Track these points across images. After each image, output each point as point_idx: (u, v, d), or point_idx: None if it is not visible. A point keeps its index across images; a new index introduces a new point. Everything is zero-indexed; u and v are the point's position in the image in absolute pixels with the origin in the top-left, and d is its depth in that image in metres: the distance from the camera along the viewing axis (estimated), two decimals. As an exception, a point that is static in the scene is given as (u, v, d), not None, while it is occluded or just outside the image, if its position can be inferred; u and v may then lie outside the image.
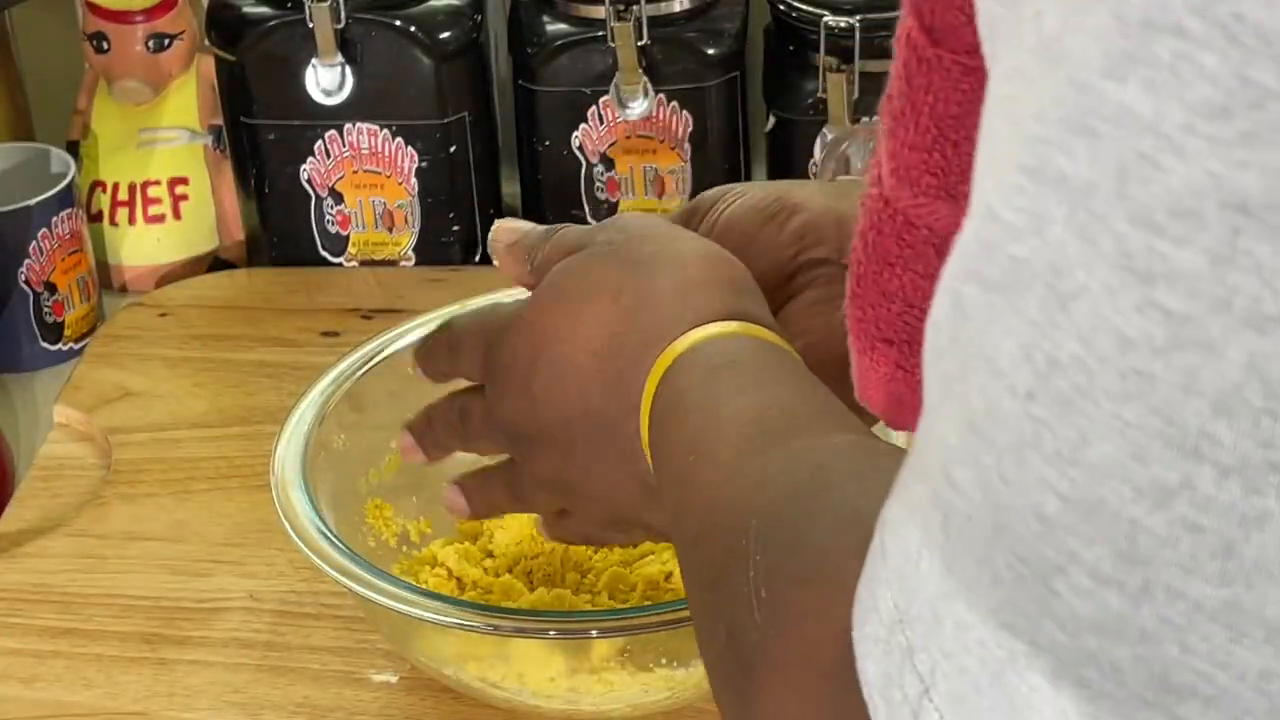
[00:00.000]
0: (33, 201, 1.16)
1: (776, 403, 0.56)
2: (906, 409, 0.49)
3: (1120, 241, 0.32)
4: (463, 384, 0.76)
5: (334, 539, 0.83)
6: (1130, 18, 0.32)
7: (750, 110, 1.24)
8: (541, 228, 0.73)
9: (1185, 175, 0.31)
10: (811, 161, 1.17)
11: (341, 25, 1.18)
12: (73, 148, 1.26)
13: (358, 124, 1.21)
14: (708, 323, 0.62)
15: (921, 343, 0.41)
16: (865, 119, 1.16)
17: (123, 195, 1.26)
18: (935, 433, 0.37)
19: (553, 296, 0.68)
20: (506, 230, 0.73)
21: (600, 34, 1.18)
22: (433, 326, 0.78)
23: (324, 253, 1.26)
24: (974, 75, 0.43)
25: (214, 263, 1.29)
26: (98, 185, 1.27)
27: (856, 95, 1.15)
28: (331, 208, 1.24)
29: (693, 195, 1.00)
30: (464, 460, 0.80)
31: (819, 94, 1.16)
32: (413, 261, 1.25)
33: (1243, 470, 0.32)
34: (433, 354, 0.76)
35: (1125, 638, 0.33)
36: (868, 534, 0.41)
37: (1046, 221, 0.33)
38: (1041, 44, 0.34)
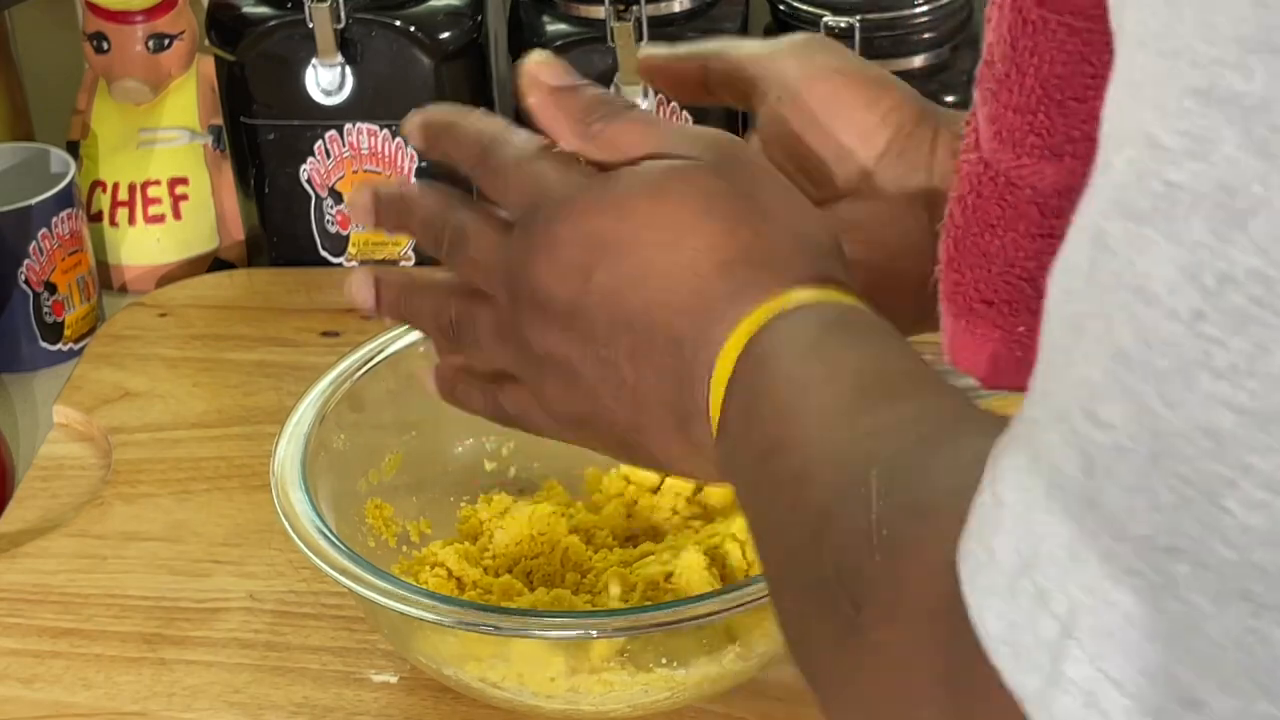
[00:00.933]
0: (33, 201, 1.16)
1: (878, 366, 0.55)
2: (1003, 369, 0.49)
3: None
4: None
5: (334, 539, 0.83)
6: None
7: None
8: (598, 91, 0.66)
9: None
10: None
11: (341, 25, 1.18)
12: (73, 148, 1.26)
13: (358, 124, 1.21)
14: (807, 285, 0.58)
15: (1021, 301, 0.43)
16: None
17: (123, 195, 1.26)
18: (1068, 376, 0.38)
19: (660, 195, 0.61)
20: (550, 70, 0.67)
21: (600, 34, 1.18)
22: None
23: (324, 253, 1.26)
24: (1078, 35, 0.43)
25: (214, 263, 1.29)
26: (98, 185, 1.27)
27: (857, 95, 1.15)
28: (331, 208, 1.24)
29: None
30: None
31: (819, 94, 1.16)
32: (412, 261, 1.25)
33: None
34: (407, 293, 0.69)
35: None
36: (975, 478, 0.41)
37: (1215, 143, 0.34)
38: None
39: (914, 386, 0.53)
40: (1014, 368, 0.46)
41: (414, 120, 0.67)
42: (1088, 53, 0.40)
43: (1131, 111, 0.36)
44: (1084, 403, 0.37)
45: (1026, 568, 0.38)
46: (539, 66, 0.66)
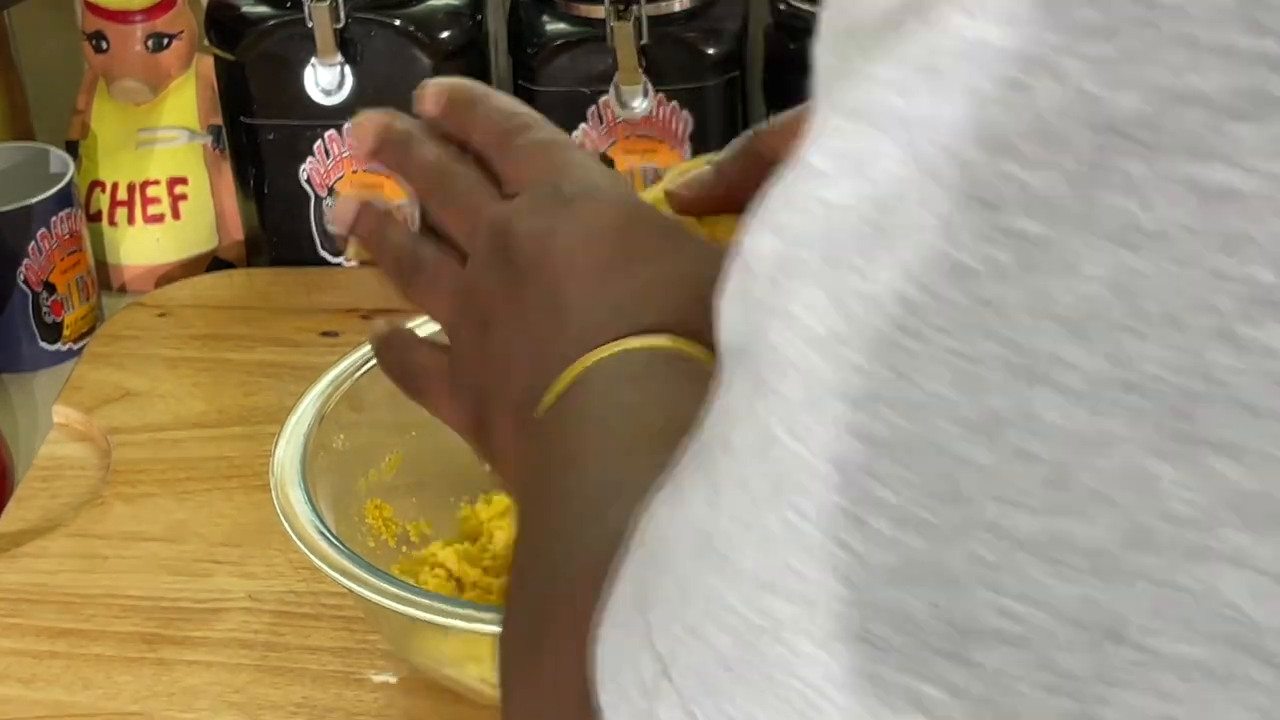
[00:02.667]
0: (32, 201, 1.16)
1: (637, 428, 0.54)
2: None
3: (967, 170, 0.31)
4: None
5: (333, 539, 0.83)
6: None
7: (750, 110, 1.24)
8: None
9: (1052, 98, 0.31)
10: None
11: (341, 25, 1.18)
12: (72, 147, 1.26)
13: (357, 124, 1.21)
14: (666, 333, 0.58)
15: None
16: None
17: (122, 195, 1.26)
18: (717, 407, 0.36)
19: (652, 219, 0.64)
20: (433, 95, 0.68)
21: (600, 34, 1.18)
22: (434, 326, 0.77)
23: (323, 253, 1.26)
24: None
25: (213, 262, 1.29)
26: (97, 185, 1.27)
27: (856, 95, 1.15)
28: (331, 208, 1.24)
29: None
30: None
31: (819, 94, 1.16)
32: (412, 261, 1.25)
33: (1091, 393, 0.31)
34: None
35: (925, 584, 0.32)
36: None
37: (871, 160, 0.33)
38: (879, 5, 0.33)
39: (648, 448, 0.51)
40: None
41: (433, 87, 0.69)
42: None
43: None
44: (722, 430, 0.36)
45: (643, 603, 0.37)
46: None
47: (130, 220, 1.27)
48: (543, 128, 0.66)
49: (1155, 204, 0.30)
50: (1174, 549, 0.31)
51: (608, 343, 0.57)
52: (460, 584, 0.90)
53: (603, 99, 1.19)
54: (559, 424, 0.56)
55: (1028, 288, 0.31)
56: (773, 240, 0.34)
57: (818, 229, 0.33)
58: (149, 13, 1.23)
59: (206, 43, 1.24)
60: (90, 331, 1.21)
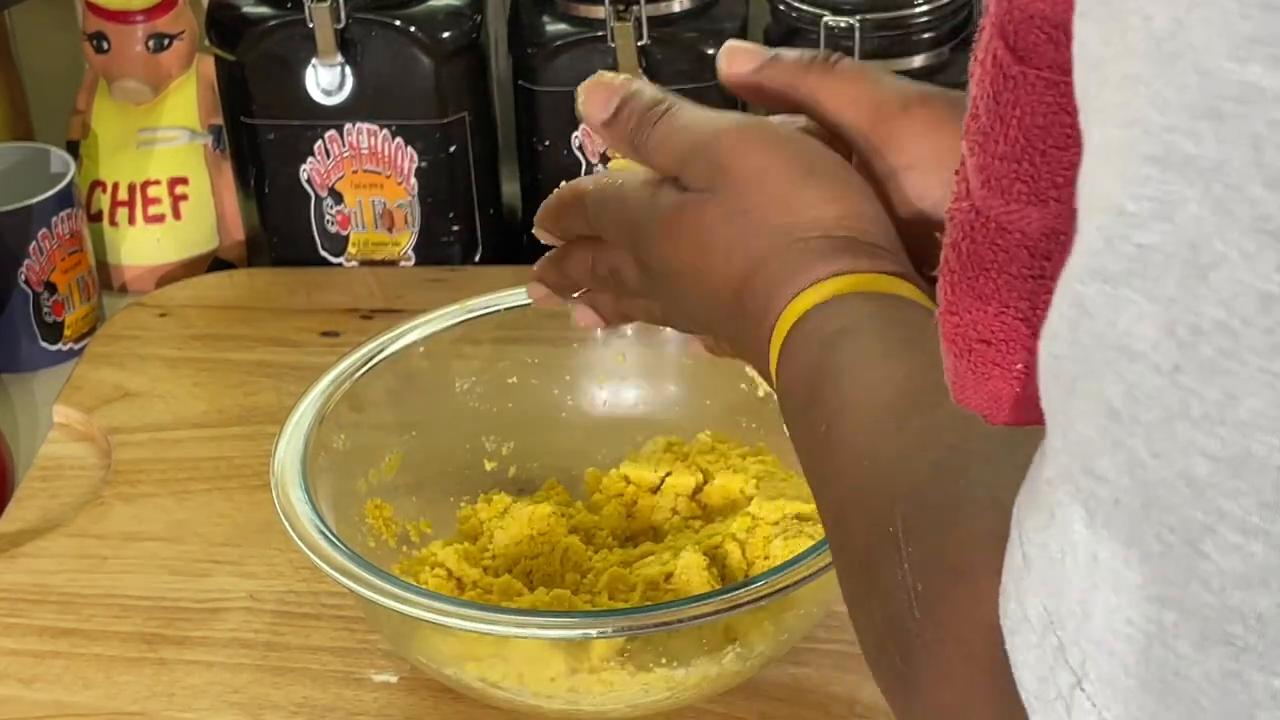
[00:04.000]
0: (33, 201, 1.16)
1: (905, 370, 0.60)
2: (1004, 404, 0.52)
3: (1256, 207, 0.35)
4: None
5: (334, 539, 0.83)
6: (1251, 1, 0.34)
7: (750, 110, 1.24)
8: (644, 99, 0.72)
9: None
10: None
11: (341, 25, 1.18)
12: (72, 147, 1.26)
13: (357, 124, 1.21)
14: (828, 279, 0.64)
15: (1017, 340, 0.47)
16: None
17: (122, 195, 1.27)
18: (1069, 436, 0.40)
19: (673, 237, 0.69)
20: (607, 88, 0.73)
21: (600, 34, 1.18)
22: (434, 327, 0.78)
23: (324, 253, 1.26)
24: (1055, 89, 0.46)
25: (214, 263, 1.29)
26: (97, 185, 1.27)
27: (856, 95, 1.15)
28: (331, 208, 1.24)
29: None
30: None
31: (819, 94, 1.16)
32: (412, 261, 1.25)
33: None
34: (559, 212, 0.76)
35: (1270, 586, 0.36)
36: (1006, 519, 0.44)
37: (1177, 204, 0.36)
38: (1154, 43, 0.37)
39: (931, 396, 0.56)
40: (1014, 402, 0.50)
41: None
42: (1065, 104, 0.43)
43: (1099, 181, 0.39)
44: (1084, 460, 0.39)
45: (1051, 624, 0.41)
46: (600, 89, 0.73)
47: (131, 220, 1.27)
48: (685, 105, 0.73)
49: None
50: None
51: (824, 280, 0.64)
52: (460, 584, 0.90)
53: (603, 99, 1.19)
54: (805, 391, 0.62)
55: None
56: (1100, 285, 0.38)
57: (1138, 269, 0.37)
58: (150, 13, 1.23)
59: (207, 43, 1.24)
60: (91, 331, 1.21)
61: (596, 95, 0.73)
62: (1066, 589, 0.40)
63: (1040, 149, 0.48)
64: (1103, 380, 0.38)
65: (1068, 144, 0.44)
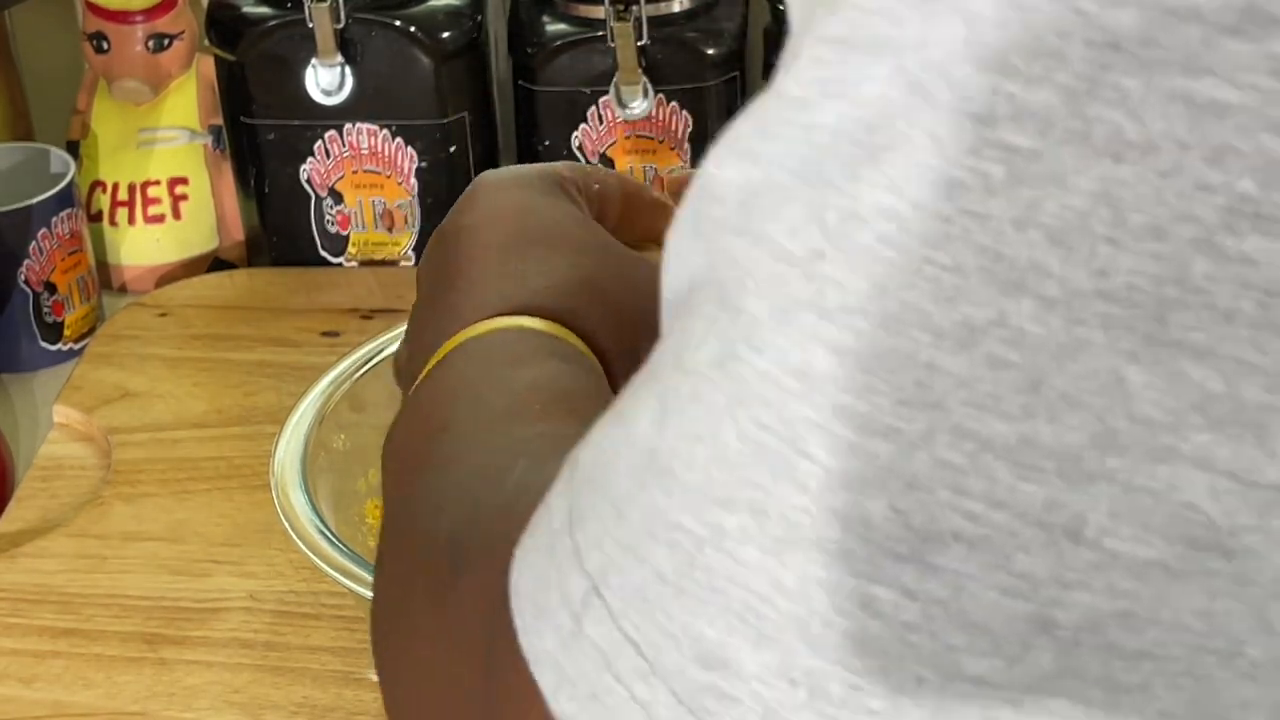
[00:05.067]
0: (33, 201, 1.16)
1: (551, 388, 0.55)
2: None
3: (958, 88, 0.32)
4: None
5: (334, 539, 0.83)
6: None
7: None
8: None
9: (1049, 15, 0.31)
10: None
11: (341, 25, 1.18)
12: (72, 148, 1.26)
13: (357, 124, 1.21)
14: (504, 315, 0.60)
15: None
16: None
17: (122, 195, 1.26)
18: (668, 338, 0.37)
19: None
20: None
21: (600, 34, 1.18)
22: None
23: (324, 253, 1.26)
24: None
25: (214, 263, 1.29)
26: (97, 185, 1.27)
27: (856, 95, 1.15)
28: (331, 208, 1.24)
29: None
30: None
31: (819, 94, 1.16)
32: (413, 262, 1.25)
33: (1068, 300, 0.31)
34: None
35: (886, 489, 0.33)
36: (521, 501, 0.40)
37: (856, 83, 0.33)
38: None
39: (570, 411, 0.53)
40: None
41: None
42: None
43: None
44: (675, 355, 0.36)
45: (571, 525, 0.37)
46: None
47: (131, 220, 1.27)
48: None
49: (1146, 117, 0.31)
50: (1139, 450, 0.32)
51: (486, 319, 0.58)
52: (460, 584, 0.90)
53: (603, 99, 1.20)
54: (430, 393, 0.58)
55: (1015, 200, 0.32)
56: (746, 167, 0.35)
57: (797, 152, 0.34)
58: (149, 13, 1.23)
59: (207, 43, 1.24)
60: (91, 331, 1.21)
61: None
62: (603, 490, 0.37)
63: None
64: (729, 262, 0.35)
65: None
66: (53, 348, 1.20)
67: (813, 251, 0.33)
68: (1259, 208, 0.30)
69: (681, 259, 0.37)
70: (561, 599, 0.37)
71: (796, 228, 0.33)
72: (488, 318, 0.59)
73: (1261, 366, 0.31)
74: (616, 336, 0.59)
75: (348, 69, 1.19)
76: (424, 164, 1.22)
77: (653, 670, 0.35)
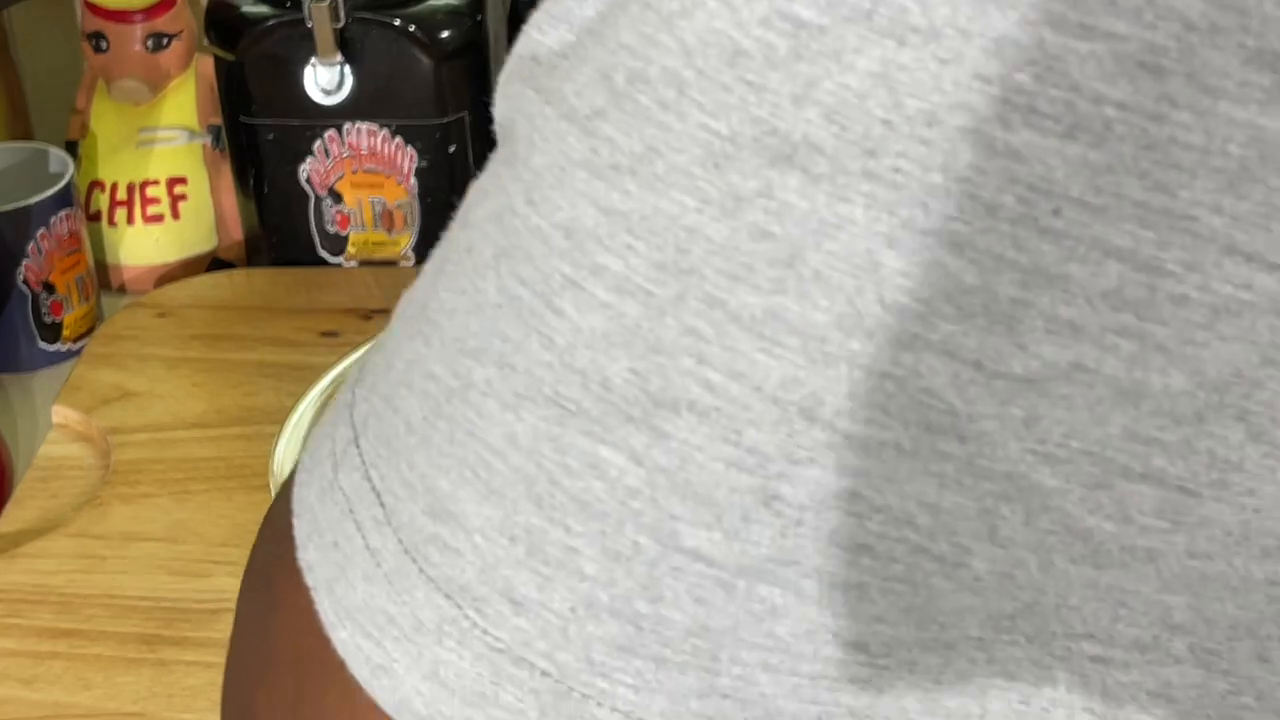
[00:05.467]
0: (31, 201, 1.16)
1: None
2: None
3: None
4: None
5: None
6: None
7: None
8: None
9: None
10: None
11: (341, 25, 1.18)
12: (71, 147, 1.26)
13: (357, 124, 1.21)
14: None
15: None
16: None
17: (121, 195, 1.26)
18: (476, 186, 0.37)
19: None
20: None
21: (600, 34, 1.18)
22: None
23: (323, 253, 1.26)
24: None
25: (213, 263, 1.29)
26: (96, 185, 1.27)
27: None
28: (331, 207, 1.24)
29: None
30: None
31: (819, 94, 1.16)
32: (412, 261, 1.25)
33: (834, 177, 0.31)
34: None
35: (631, 350, 0.33)
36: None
37: None
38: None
39: None
40: None
41: None
42: None
43: None
44: (463, 214, 0.36)
45: (356, 381, 0.38)
46: None
47: (130, 220, 1.27)
48: None
49: (930, 2, 0.30)
50: (884, 335, 0.31)
51: None
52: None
53: (603, 99, 1.19)
54: None
55: (796, 73, 0.31)
56: (562, 31, 0.35)
57: (597, 16, 0.34)
58: (148, 12, 1.23)
59: (206, 42, 1.24)
60: (89, 332, 1.21)
61: None
62: (380, 347, 0.37)
63: None
64: (518, 133, 0.35)
65: None
66: (51, 348, 1.20)
67: (595, 110, 0.33)
68: (1033, 101, 0.30)
69: (499, 108, 0.37)
70: (329, 450, 0.37)
71: (585, 87, 0.33)
72: None
73: (1018, 263, 0.30)
74: None
75: (347, 68, 1.19)
76: (424, 164, 1.22)
77: (387, 519, 0.35)
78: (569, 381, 0.33)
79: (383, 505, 0.35)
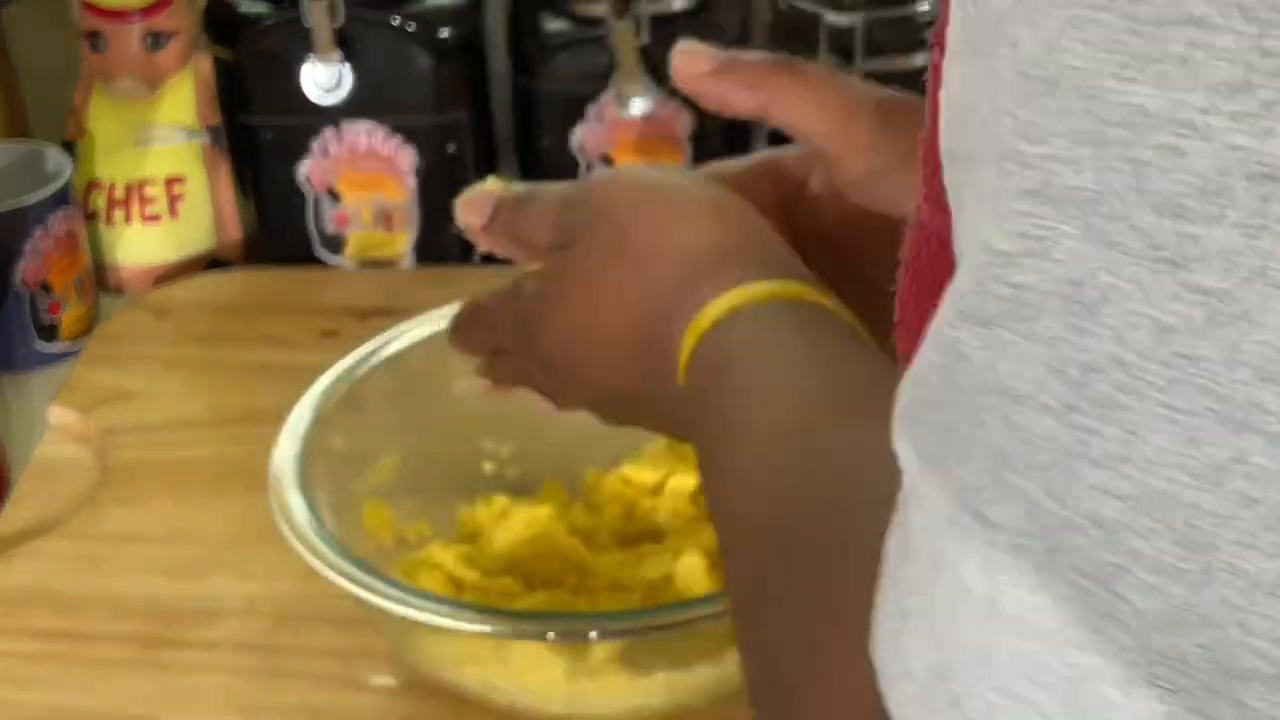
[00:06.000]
0: (29, 201, 1.16)
1: (800, 389, 0.57)
2: None
3: (1146, 236, 0.34)
4: None
5: (332, 541, 0.83)
6: (1144, 18, 0.33)
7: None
8: (515, 194, 0.73)
9: (1210, 155, 0.33)
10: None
11: (339, 23, 1.18)
12: (69, 147, 1.26)
13: (356, 122, 1.21)
14: (722, 293, 0.62)
15: None
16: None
17: (119, 194, 1.26)
18: (947, 481, 0.38)
19: (564, 300, 0.69)
20: (480, 198, 0.74)
21: (600, 34, 1.18)
22: (433, 327, 0.78)
23: (322, 252, 1.25)
24: None
25: (211, 262, 1.29)
26: (94, 184, 1.26)
27: (857, 94, 1.15)
28: (329, 207, 1.24)
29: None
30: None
31: (820, 93, 1.16)
32: (411, 261, 1.24)
33: None
34: (467, 330, 0.77)
35: (1189, 627, 0.34)
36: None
37: (1055, 239, 0.35)
38: (1022, 72, 0.35)
39: (825, 413, 0.55)
40: None
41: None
42: None
43: (970, 223, 0.38)
44: (972, 506, 0.38)
45: (941, 676, 0.39)
46: (472, 204, 0.74)
47: (128, 220, 1.26)
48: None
49: None
50: None
51: (739, 287, 0.61)
52: (459, 585, 0.90)
53: (603, 99, 1.19)
54: (716, 386, 0.60)
55: (1219, 340, 0.33)
56: (974, 329, 0.37)
57: (1011, 311, 0.36)
58: (146, 11, 1.23)
59: (204, 41, 1.23)
60: (87, 331, 1.21)
61: (471, 205, 0.73)
62: (958, 639, 0.38)
63: None
64: (985, 425, 0.37)
65: None
66: (49, 348, 1.20)
67: (1064, 406, 0.35)
68: None
69: (916, 425, 0.39)
70: None
71: (1043, 382, 0.36)
72: (736, 285, 0.62)
73: None
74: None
75: (346, 67, 1.19)
76: (423, 163, 1.21)
77: None
78: (1156, 662, 0.35)
79: None
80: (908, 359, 0.51)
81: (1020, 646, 0.37)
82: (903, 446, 0.40)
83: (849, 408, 0.55)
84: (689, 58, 0.71)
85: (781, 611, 0.49)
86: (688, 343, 0.62)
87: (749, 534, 0.53)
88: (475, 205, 0.73)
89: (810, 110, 0.70)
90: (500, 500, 0.95)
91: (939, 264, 0.49)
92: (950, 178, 0.40)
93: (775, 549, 0.50)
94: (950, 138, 0.40)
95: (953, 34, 0.39)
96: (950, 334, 0.38)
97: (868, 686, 0.42)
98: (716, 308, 0.62)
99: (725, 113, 0.72)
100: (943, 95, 0.40)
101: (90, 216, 1.26)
